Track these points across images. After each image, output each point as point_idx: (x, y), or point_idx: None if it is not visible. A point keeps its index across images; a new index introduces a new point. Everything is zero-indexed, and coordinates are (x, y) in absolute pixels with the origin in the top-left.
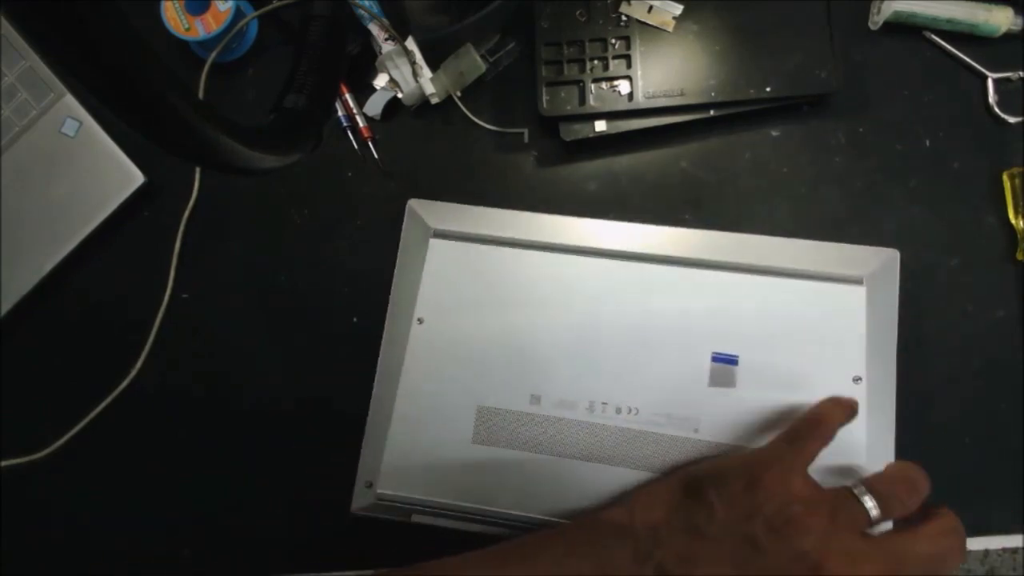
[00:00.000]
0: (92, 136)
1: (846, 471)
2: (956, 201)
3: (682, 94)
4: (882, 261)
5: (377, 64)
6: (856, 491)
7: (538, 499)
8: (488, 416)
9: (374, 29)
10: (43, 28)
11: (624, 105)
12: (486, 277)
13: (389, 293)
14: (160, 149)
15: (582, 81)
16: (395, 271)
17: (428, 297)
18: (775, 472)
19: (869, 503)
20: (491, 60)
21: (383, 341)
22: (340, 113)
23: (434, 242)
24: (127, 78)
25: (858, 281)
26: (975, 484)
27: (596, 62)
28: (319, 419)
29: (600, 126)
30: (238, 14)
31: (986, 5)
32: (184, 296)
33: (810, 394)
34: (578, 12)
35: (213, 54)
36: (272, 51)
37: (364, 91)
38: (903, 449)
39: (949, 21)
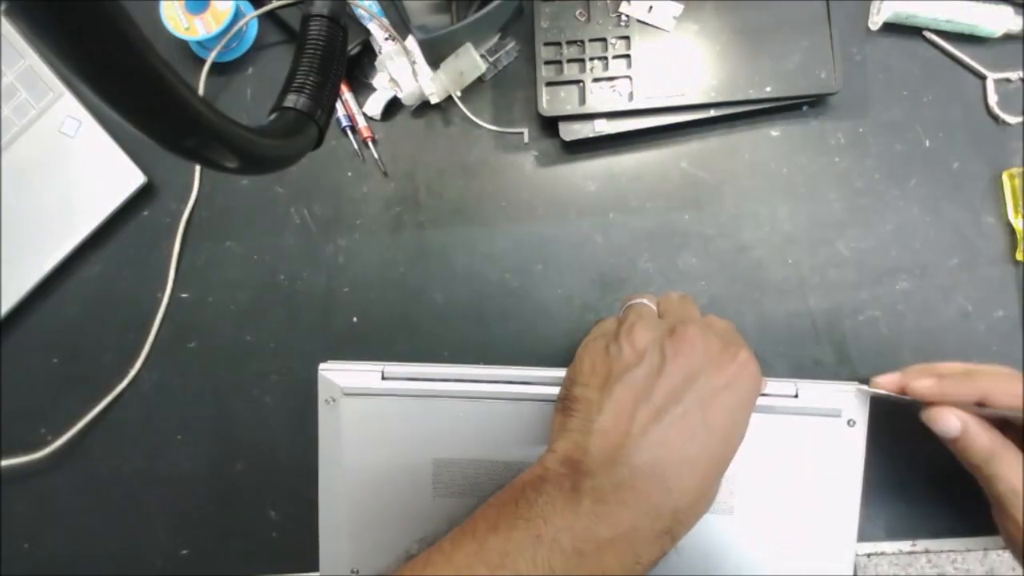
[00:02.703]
0: (92, 136)
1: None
2: (956, 201)
3: (682, 94)
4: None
5: (377, 64)
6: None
7: None
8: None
9: (374, 29)
10: (56, 33)
11: (624, 105)
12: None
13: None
14: (161, 147)
15: (582, 81)
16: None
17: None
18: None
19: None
20: (491, 60)
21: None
22: (340, 113)
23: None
24: (129, 76)
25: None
26: (975, 484)
27: (596, 62)
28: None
29: (600, 126)
30: (238, 13)
31: (986, 5)
32: (184, 296)
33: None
34: (578, 12)
35: (213, 53)
36: (272, 51)
37: (364, 91)
38: (903, 449)
39: (949, 21)
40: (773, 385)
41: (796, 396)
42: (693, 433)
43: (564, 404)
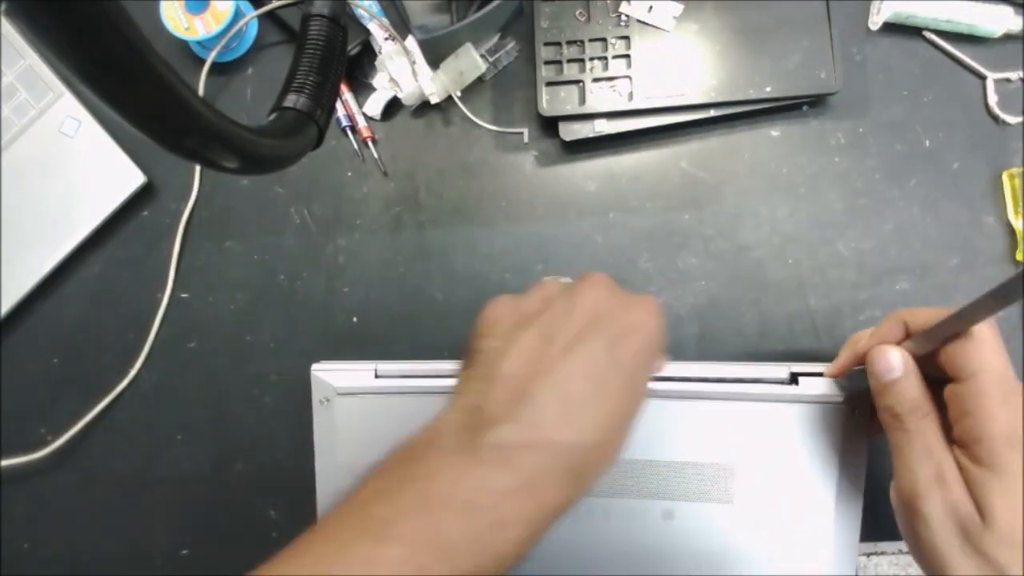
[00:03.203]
0: (92, 136)
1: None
2: (956, 201)
3: (682, 94)
4: None
5: (377, 64)
6: None
7: None
8: None
9: (374, 29)
10: (56, 33)
11: (624, 105)
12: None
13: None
14: (161, 147)
15: (582, 81)
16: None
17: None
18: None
19: None
20: (491, 60)
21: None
22: (340, 113)
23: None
24: (130, 76)
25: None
26: None
27: (596, 62)
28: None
29: (600, 126)
30: (238, 13)
31: (986, 5)
32: (184, 296)
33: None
34: (578, 12)
35: (213, 53)
36: (272, 51)
37: (364, 91)
38: None
39: (949, 21)
40: (766, 369)
41: (796, 384)
42: (601, 369)
43: (467, 358)
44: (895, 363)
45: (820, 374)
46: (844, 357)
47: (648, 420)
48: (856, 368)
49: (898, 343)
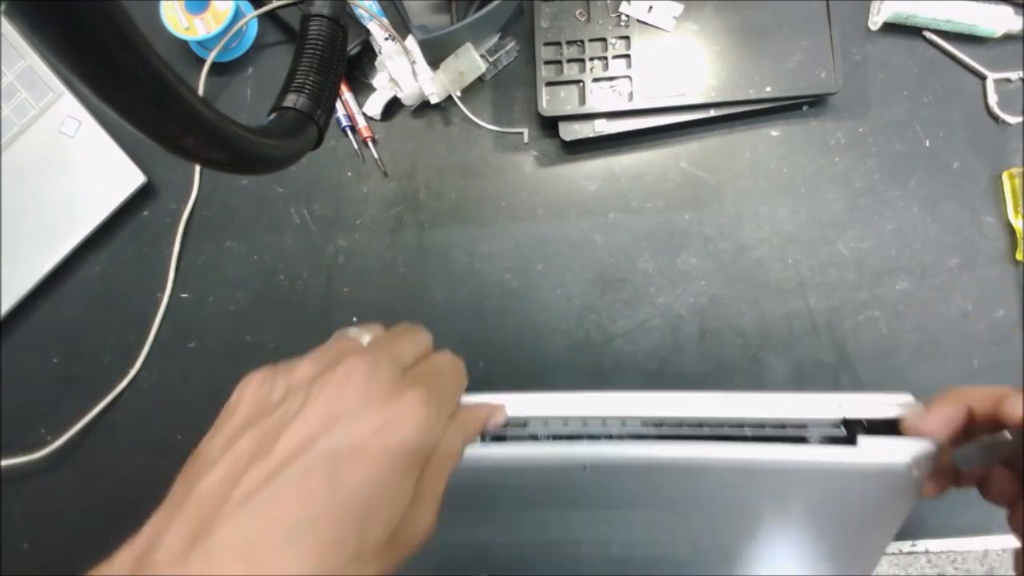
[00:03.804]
0: (92, 136)
1: None
2: (956, 201)
3: (682, 94)
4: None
5: (377, 64)
6: None
7: None
8: None
9: (374, 29)
10: (56, 33)
11: (624, 105)
12: None
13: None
14: (161, 147)
15: (582, 81)
16: None
17: None
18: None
19: None
20: (491, 60)
21: None
22: (340, 113)
23: None
24: (129, 76)
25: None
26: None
27: (596, 62)
28: None
29: (600, 126)
30: (238, 13)
31: (986, 5)
32: (184, 296)
33: None
34: (578, 12)
35: (213, 53)
36: (272, 51)
37: (364, 91)
38: None
39: (949, 21)
40: (812, 407)
41: (854, 443)
42: (312, 494)
43: (192, 453)
44: None
45: (884, 424)
46: (944, 412)
47: (674, 480)
48: (986, 441)
49: None
